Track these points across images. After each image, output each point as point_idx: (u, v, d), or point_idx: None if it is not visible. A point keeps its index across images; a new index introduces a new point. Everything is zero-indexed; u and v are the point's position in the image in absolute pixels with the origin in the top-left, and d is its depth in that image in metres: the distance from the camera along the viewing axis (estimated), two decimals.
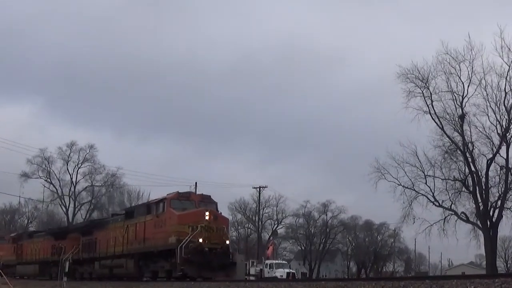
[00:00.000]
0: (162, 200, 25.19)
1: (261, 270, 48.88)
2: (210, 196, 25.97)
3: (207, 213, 23.78)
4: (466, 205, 39.96)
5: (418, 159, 40.56)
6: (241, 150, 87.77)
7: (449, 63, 39.06)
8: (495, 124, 38.27)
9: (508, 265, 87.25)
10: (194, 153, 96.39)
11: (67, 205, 73.06)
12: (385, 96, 79.14)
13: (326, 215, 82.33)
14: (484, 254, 41.33)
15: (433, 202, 40.54)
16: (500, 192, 38.29)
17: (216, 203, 25.90)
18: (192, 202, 24.85)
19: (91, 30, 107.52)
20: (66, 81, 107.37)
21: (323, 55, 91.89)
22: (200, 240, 23.01)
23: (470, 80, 38.87)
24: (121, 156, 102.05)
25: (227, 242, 24.74)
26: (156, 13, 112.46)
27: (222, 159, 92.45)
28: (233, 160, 78.06)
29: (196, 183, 54.74)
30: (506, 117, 37.92)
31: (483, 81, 38.38)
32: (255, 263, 54.55)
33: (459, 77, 39.13)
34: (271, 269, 47.50)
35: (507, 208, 38.22)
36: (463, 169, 39.76)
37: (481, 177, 38.57)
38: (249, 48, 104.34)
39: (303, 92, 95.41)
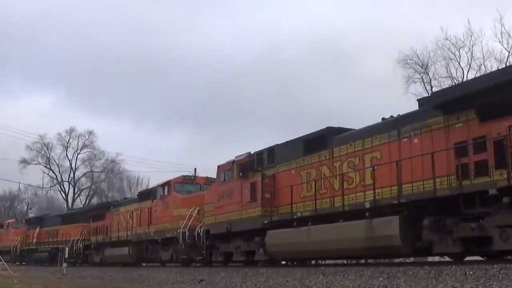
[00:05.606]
0: None
1: None
2: None
3: None
4: None
5: None
6: (260, 138, 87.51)
7: (448, 48, 39.10)
8: None
9: None
10: (212, 141, 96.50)
11: (67, 191, 73.59)
12: (389, 84, 79.00)
13: None
14: None
15: None
16: None
17: None
18: None
19: (122, 20, 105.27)
20: (90, 71, 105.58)
21: (347, 47, 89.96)
22: None
23: (470, 66, 38.89)
24: (138, 144, 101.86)
25: None
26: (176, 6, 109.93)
27: (240, 146, 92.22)
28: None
29: (195, 168, 53.60)
30: None
31: (482, 66, 38.38)
32: None
33: (459, 63, 39.17)
34: None
35: None
36: None
37: None
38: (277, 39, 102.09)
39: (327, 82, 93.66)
